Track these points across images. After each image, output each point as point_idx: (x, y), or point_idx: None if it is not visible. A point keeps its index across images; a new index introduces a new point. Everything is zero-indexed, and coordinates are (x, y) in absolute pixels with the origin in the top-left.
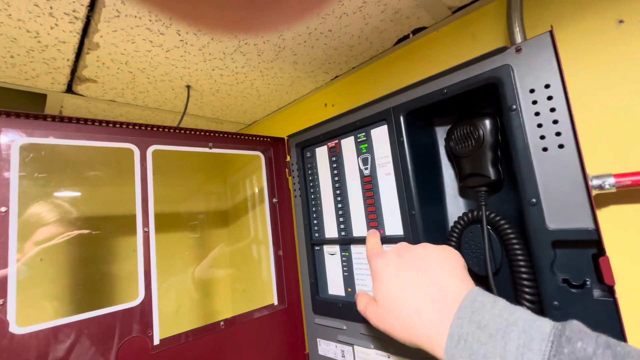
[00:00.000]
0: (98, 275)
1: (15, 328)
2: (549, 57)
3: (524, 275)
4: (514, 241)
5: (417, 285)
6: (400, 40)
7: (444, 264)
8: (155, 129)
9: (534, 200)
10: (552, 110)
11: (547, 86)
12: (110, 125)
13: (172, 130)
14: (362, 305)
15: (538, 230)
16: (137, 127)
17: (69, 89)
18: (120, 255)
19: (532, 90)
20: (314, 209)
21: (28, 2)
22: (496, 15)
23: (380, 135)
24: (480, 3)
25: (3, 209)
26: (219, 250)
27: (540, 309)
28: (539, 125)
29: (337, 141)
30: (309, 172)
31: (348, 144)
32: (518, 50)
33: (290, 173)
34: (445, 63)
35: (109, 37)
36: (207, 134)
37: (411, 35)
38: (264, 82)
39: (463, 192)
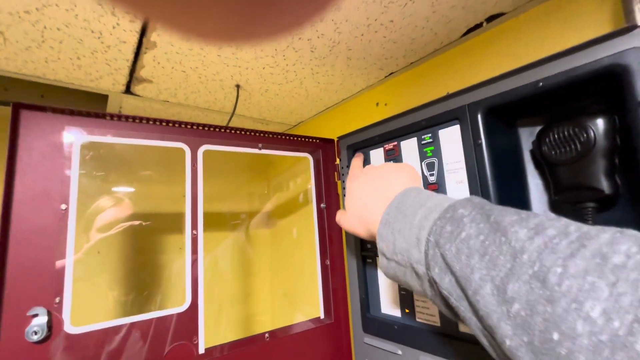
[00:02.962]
0: (149, 271)
1: (69, 327)
2: None
3: None
4: None
5: (372, 191)
6: (470, 31)
7: (396, 175)
8: (206, 128)
9: None
10: None
11: None
12: (164, 124)
13: (222, 130)
14: (337, 217)
15: None
16: (189, 127)
17: (128, 90)
18: (169, 251)
19: None
20: None
21: (92, 1)
22: None
23: (450, 137)
24: None
25: (63, 206)
26: (268, 206)
27: None
28: None
29: (395, 143)
30: None
31: (409, 146)
32: None
33: (340, 177)
34: (525, 55)
35: (165, 35)
36: (257, 134)
37: (485, 24)
38: (313, 81)
39: (556, 207)
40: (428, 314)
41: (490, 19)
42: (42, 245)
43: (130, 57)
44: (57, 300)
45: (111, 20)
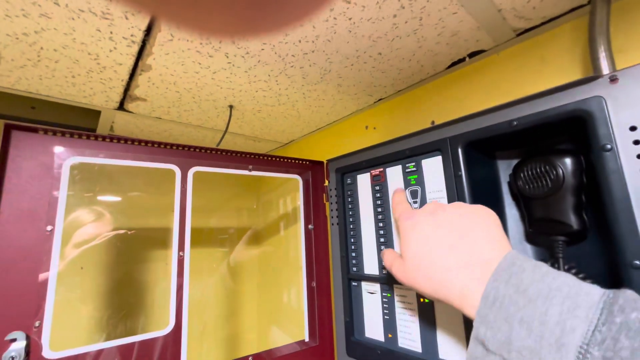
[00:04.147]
0: (132, 291)
1: (48, 352)
2: None
3: None
4: None
5: (449, 245)
6: (454, 64)
7: (478, 224)
8: (197, 150)
9: (637, 262)
10: None
11: None
12: (155, 145)
13: (213, 152)
14: (388, 261)
15: None
16: (180, 148)
17: (121, 106)
18: (153, 270)
19: (633, 128)
20: (352, 239)
21: (91, 27)
22: (572, 37)
23: (433, 167)
24: (551, 25)
25: (49, 227)
26: (251, 233)
27: None
28: None
29: (381, 169)
30: (349, 199)
31: (394, 174)
32: (613, 79)
33: (328, 199)
34: (505, 89)
35: (161, 60)
36: (247, 156)
37: (467, 59)
38: (305, 104)
39: (531, 238)
40: (410, 339)
41: (473, 54)
42: (25, 266)
43: (126, 77)
44: (36, 324)
45: (109, 45)
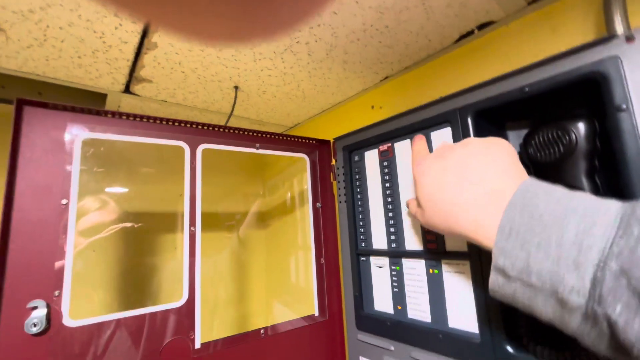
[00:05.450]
0: (144, 270)
1: (68, 320)
2: None
3: None
4: None
5: (459, 183)
6: (462, 37)
7: (488, 157)
8: (205, 127)
9: None
10: None
11: None
12: (164, 122)
13: (221, 130)
14: (413, 209)
15: None
16: (188, 125)
17: (127, 89)
18: (164, 250)
19: None
20: (360, 216)
21: (96, 3)
22: (585, 5)
23: (442, 139)
24: None
25: (64, 201)
26: (256, 207)
27: None
28: None
29: (389, 144)
30: (357, 177)
31: (403, 148)
32: (629, 39)
33: (335, 177)
34: (516, 62)
35: (166, 37)
36: (255, 134)
37: (476, 31)
38: (310, 83)
39: None
40: (419, 310)
41: (482, 26)
42: (43, 239)
43: (131, 57)
44: (56, 293)
45: (113, 21)
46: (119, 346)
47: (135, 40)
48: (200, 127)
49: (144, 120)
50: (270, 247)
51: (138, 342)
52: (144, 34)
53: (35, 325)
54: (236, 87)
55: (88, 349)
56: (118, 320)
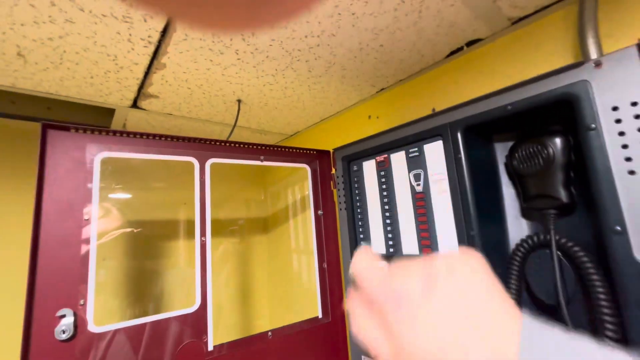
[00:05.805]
0: (150, 276)
1: (92, 327)
2: (636, 73)
3: (606, 310)
4: (592, 271)
5: (460, 336)
6: (452, 53)
7: (474, 290)
8: (213, 143)
9: (618, 228)
10: None
11: (633, 104)
12: (175, 140)
13: (227, 145)
14: (372, 346)
15: (624, 261)
16: (197, 141)
17: (134, 104)
18: (169, 256)
19: (615, 108)
20: (360, 222)
21: (112, 30)
22: (563, 25)
23: (434, 151)
24: (544, 12)
25: (86, 216)
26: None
27: (624, 344)
28: (625, 147)
29: (386, 155)
30: (356, 185)
31: (398, 159)
32: (597, 64)
33: (335, 185)
34: (502, 75)
35: (175, 58)
36: (259, 147)
37: (465, 48)
38: (310, 96)
39: (526, 213)
40: None
41: (470, 43)
42: (67, 252)
43: (141, 76)
44: (81, 302)
45: (127, 46)
46: (139, 349)
47: (146, 61)
48: (208, 142)
49: (157, 138)
50: (272, 253)
51: (155, 346)
52: (154, 56)
53: (64, 332)
54: (239, 101)
55: (111, 352)
56: (138, 326)
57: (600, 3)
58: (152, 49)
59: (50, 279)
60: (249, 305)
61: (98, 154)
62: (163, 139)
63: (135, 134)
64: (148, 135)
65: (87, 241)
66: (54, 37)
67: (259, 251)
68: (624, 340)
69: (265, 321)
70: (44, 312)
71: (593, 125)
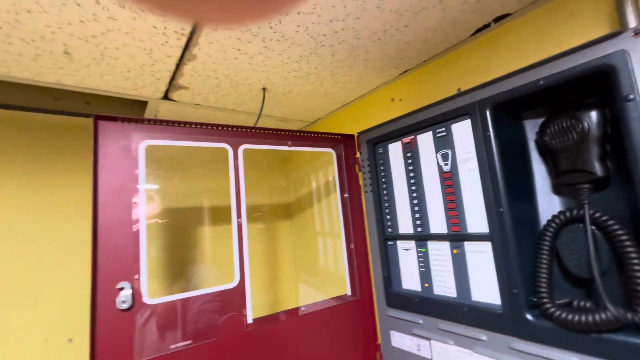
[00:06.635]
0: (187, 255)
1: (147, 299)
2: None
3: None
4: (627, 243)
5: None
6: (478, 30)
7: None
8: (244, 129)
9: None
10: None
11: None
12: (209, 127)
13: (257, 131)
14: None
15: None
16: (230, 129)
17: (165, 96)
18: (203, 238)
19: None
20: (386, 204)
21: (149, 25)
22: None
23: (462, 130)
24: None
25: (135, 200)
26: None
27: None
28: None
29: (412, 137)
30: (381, 167)
31: (425, 140)
32: (637, 33)
33: (361, 169)
34: (532, 50)
35: (205, 49)
36: (287, 133)
37: (492, 24)
38: (332, 81)
39: (557, 189)
40: (445, 287)
41: (498, 19)
42: (121, 232)
43: (173, 68)
44: (136, 276)
45: (161, 39)
46: (186, 320)
47: (178, 53)
48: (240, 129)
49: (193, 126)
50: (296, 237)
51: (203, 317)
52: (186, 48)
53: (124, 302)
54: (264, 89)
55: (164, 322)
56: (185, 299)
57: None
58: (184, 40)
59: (108, 256)
60: (275, 287)
61: (142, 142)
62: (199, 126)
63: (174, 122)
64: (185, 123)
65: (137, 221)
66: (97, 34)
67: (282, 236)
68: None
69: (292, 301)
70: (105, 285)
71: (631, 96)
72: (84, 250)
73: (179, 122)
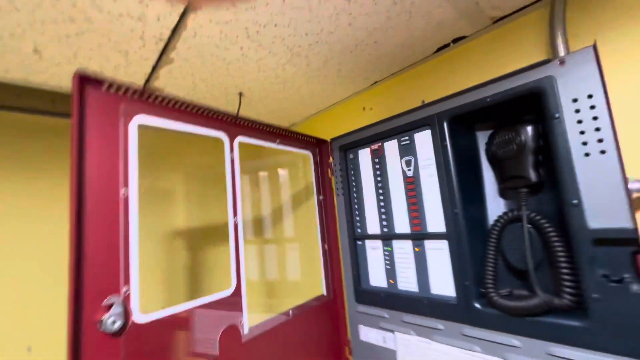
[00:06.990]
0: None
1: (139, 316)
2: (592, 70)
3: (565, 270)
4: (555, 238)
5: None
6: (440, 49)
7: None
8: (241, 121)
9: (575, 201)
10: (595, 118)
11: (589, 96)
12: (205, 112)
13: (253, 125)
14: None
15: (579, 229)
16: (228, 118)
17: None
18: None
19: (574, 100)
20: (356, 206)
21: (125, 28)
22: (538, 24)
23: (424, 139)
24: (521, 13)
25: (124, 190)
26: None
27: (579, 301)
28: (582, 133)
29: (380, 144)
30: (352, 172)
31: (391, 147)
32: (561, 62)
33: (333, 173)
34: (485, 69)
35: (183, 53)
36: (277, 131)
37: (451, 44)
38: (308, 89)
39: (503, 193)
40: (408, 282)
41: (456, 40)
42: (106, 230)
43: (148, 70)
44: (125, 289)
45: (138, 43)
46: (184, 336)
47: (155, 57)
48: (237, 120)
49: (189, 108)
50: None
51: (202, 330)
52: (162, 52)
53: (114, 323)
54: (240, 93)
55: (159, 340)
56: (179, 313)
57: (568, 5)
58: (161, 45)
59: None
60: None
61: (135, 116)
62: (195, 109)
63: (170, 99)
64: (182, 103)
65: (126, 219)
66: (70, 35)
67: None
68: (579, 296)
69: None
70: (91, 294)
71: (557, 115)
72: (39, 250)
73: (175, 100)
